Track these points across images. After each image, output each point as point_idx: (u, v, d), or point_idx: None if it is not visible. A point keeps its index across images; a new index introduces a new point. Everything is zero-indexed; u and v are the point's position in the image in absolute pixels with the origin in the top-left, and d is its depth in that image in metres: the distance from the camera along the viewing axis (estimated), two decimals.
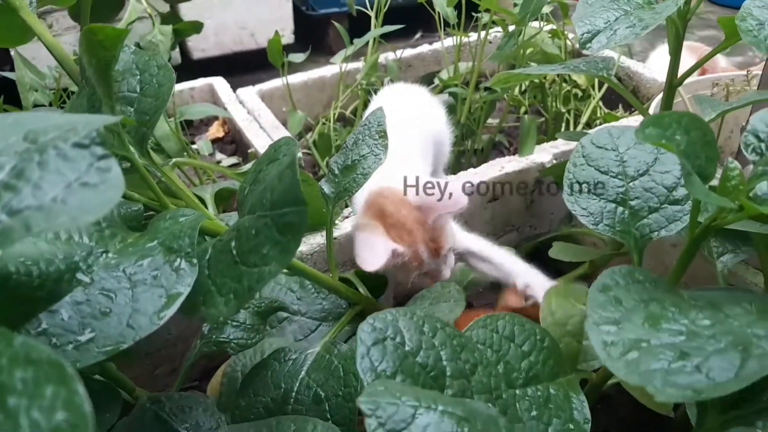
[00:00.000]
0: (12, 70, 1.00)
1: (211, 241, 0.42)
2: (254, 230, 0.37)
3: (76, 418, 0.17)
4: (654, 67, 1.23)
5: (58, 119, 0.29)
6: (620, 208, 0.53)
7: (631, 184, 0.53)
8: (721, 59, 1.21)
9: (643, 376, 0.34)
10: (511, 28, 1.00)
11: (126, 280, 0.36)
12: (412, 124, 0.83)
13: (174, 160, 0.64)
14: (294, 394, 0.53)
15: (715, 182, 0.43)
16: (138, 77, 0.47)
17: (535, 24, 1.11)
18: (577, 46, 0.63)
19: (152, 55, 0.47)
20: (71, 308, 0.35)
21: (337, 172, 0.59)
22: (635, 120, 1.04)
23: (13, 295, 0.34)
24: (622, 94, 0.72)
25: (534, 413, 0.50)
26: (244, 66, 1.87)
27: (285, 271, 0.58)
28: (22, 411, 0.18)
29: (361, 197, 0.72)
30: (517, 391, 0.50)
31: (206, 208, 0.67)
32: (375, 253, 0.62)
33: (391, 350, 0.41)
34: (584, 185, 0.53)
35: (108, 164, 0.26)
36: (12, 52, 0.99)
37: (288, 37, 2.03)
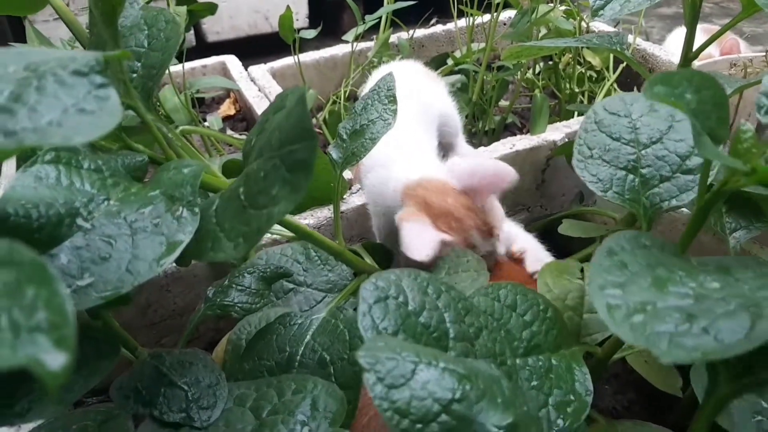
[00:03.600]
0: (25, 43, 1.00)
1: (217, 194, 0.42)
2: (263, 172, 0.36)
3: (56, 317, 0.17)
4: (670, 49, 1.21)
5: (60, 53, 0.29)
6: (631, 176, 0.52)
7: (643, 151, 0.53)
8: (739, 42, 1.18)
9: (649, 338, 0.33)
10: (525, 7, 0.99)
11: (126, 226, 0.36)
12: (411, 100, 0.81)
13: (181, 127, 0.64)
14: (299, 357, 0.53)
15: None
16: (146, 32, 0.47)
17: (550, 4, 1.09)
18: (593, 25, 0.62)
19: (161, 10, 0.47)
20: (71, 253, 0.35)
21: (345, 136, 0.58)
22: None
23: (11, 237, 0.33)
24: (636, 69, 0.70)
25: (535, 383, 0.49)
26: (258, 49, 1.87)
27: (292, 235, 0.58)
28: (2, 310, 0.17)
29: (385, 187, 0.71)
30: (518, 360, 0.49)
31: None
32: (423, 243, 0.60)
33: (393, 309, 0.40)
34: (595, 151, 0.52)
35: (106, 92, 0.26)
36: (26, 25, 0.99)
37: (302, 21, 2.03)
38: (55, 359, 0.18)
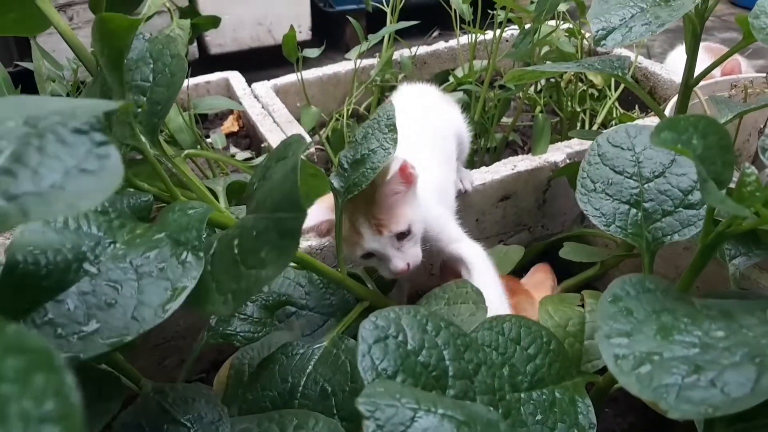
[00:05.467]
0: (31, 61, 1.01)
1: (217, 234, 0.42)
2: (255, 231, 0.37)
3: (64, 408, 0.17)
4: (672, 68, 1.21)
5: (59, 104, 0.29)
6: (633, 210, 0.52)
7: (646, 185, 0.53)
8: (741, 63, 1.19)
9: (656, 391, 0.33)
10: (528, 26, 0.99)
11: (132, 271, 0.37)
12: (432, 127, 0.81)
13: (186, 151, 0.65)
14: (301, 388, 0.53)
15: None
16: (151, 66, 0.47)
17: (552, 23, 1.10)
18: (594, 47, 0.62)
19: (166, 44, 0.47)
20: (77, 298, 0.35)
21: (346, 166, 0.58)
22: (652, 121, 1.03)
23: (19, 284, 0.34)
24: (638, 94, 0.71)
25: (539, 417, 0.49)
26: (261, 62, 1.87)
27: (294, 265, 0.58)
28: (13, 399, 0.18)
29: None
30: (522, 395, 0.49)
31: (218, 200, 0.68)
32: (309, 217, 0.59)
33: (392, 349, 0.40)
34: (598, 185, 0.52)
35: (107, 150, 0.26)
36: (31, 42, 0.99)
37: (305, 34, 2.03)
38: None
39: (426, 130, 0.79)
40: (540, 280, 0.74)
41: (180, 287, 0.35)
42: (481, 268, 0.69)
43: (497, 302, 0.65)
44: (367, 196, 0.61)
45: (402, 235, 0.64)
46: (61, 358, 0.18)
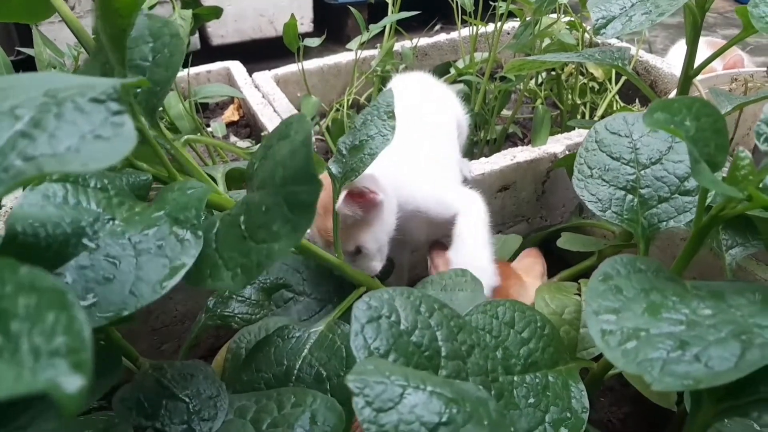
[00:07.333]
0: (32, 48, 1.01)
1: (219, 215, 0.43)
2: (264, 207, 0.37)
3: (75, 342, 0.18)
4: (673, 62, 1.21)
5: (80, 79, 0.29)
6: (630, 196, 0.52)
7: (642, 172, 0.53)
8: (743, 58, 1.19)
9: (641, 365, 0.33)
10: (529, 19, 1.00)
11: (131, 247, 0.37)
12: (428, 113, 0.82)
13: (186, 137, 0.65)
14: (296, 371, 0.54)
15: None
16: (150, 45, 0.47)
17: (553, 16, 1.10)
18: (594, 37, 0.62)
19: (165, 22, 0.47)
20: (76, 272, 0.35)
21: (344, 151, 0.59)
22: None
23: (18, 255, 0.34)
24: (638, 86, 0.71)
25: (531, 400, 0.50)
26: (263, 53, 1.88)
27: (292, 250, 0.58)
28: (24, 335, 0.18)
29: None
30: (515, 378, 0.50)
31: (217, 186, 0.68)
32: None
33: (385, 328, 0.41)
34: (595, 171, 0.52)
35: (122, 119, 0.26)
36: (33, 31, 1.00)
37: (307, 26, 2.04)
38: (72, 383, 0.19)
39: (422, 117, 0.80)
40: (529, 265, 0.74)
41: (178, 264, 0.36)
42: (463, 220, 0.68)
43: (467, 257, 0.65)
44: (322, 207, 0.61)
45: (354, 251, 0.66)
46: (73, 296, 0.19)
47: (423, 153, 0.74)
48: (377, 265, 0.67)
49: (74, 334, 0.19)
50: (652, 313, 0.36)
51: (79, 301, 0.34)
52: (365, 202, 0.63)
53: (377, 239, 0.67)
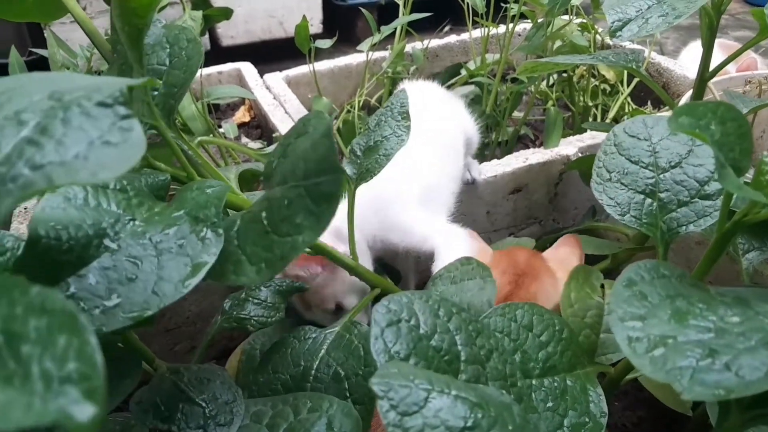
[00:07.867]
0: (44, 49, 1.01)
1: (238, 214, 0.43)
2: (287, 200, 0.37)
3: (87, 368, 0.17)
4: (685, 63, 1.20)
5: (83, 80, 0.29)
6: (649, 200, 0.52)
7: (661, 175, 0.53)
8: (757, 60, 1.18)
9: (669, 373, 0.33)
10: (540, 20, 0.99)
11: (152, 247, 0.37)
12: (430, 125, 0.80)
13: (199, 138, 0.65)
14: (313, 372, 0.54)
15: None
16: (168, 50, 0.47)
17: (565, 17, 1.10)
18: (607, 39, 0.62)
19: (182, 29, 0.48)
20: (99, 273, 0.35)
21: (359, 153, 0.59)
22: (667, 115, 1.02)
23: (42, 258, 0.34)
24: (651, 87, 0.70)
25: (550, 404, 0.49)
26: (273, 54, 1.88)
27: (307, 250, 0.58)
28: (35, 360, 0.17)
29: None
30: (534, 381, 0.49)
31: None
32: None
33: (405, 332, 0.40)
34: (614, 174, 0.52)
35: (130, 124, 0.26)
36: (45, 32, 1.00)
37: (316, 27, 2.04)
38: (84, 412, 0.18)
39: (421, 128, 0.79)
40: (566, 256, 0.68)
41: (200, 263, 0.36)
42: (440, 264, 0.64)
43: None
44: None
45: (335, 310, 0.65)
46: (84, 320, 0.18)
47: (417, 176, 0.73)
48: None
49: (86, 359, 0.18)
50: (679, 320, 0.35)
51: (104, 301, 0.34)
52: (320, 261, 0.63)
53: (354, 287, 0.66)
